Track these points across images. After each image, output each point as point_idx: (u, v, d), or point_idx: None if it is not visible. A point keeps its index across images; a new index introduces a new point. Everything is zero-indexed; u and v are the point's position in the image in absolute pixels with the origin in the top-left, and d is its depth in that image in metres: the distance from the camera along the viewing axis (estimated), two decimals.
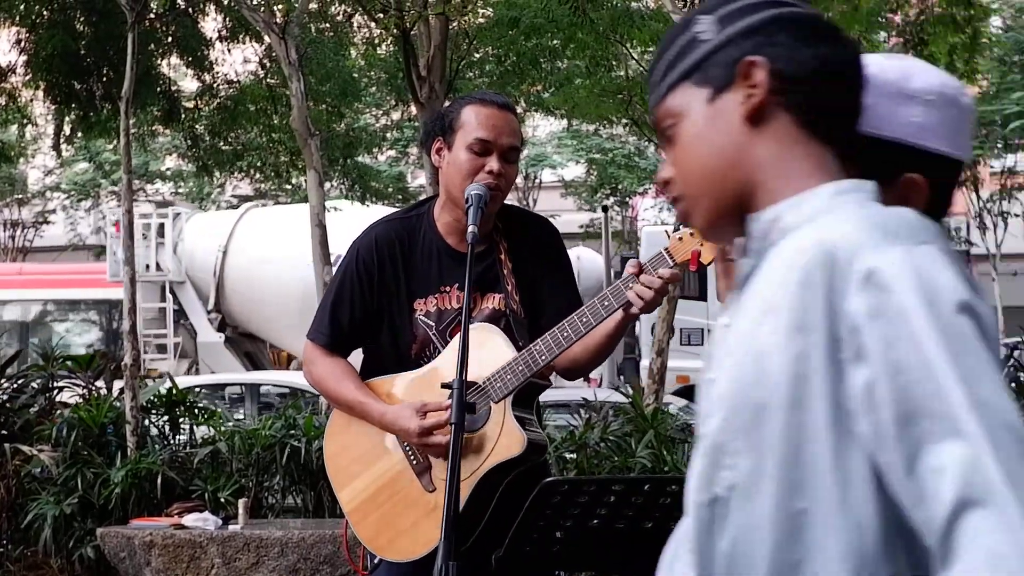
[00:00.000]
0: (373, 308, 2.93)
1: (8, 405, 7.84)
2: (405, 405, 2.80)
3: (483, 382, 2.74)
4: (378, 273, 2.92)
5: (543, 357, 2.71)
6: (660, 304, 2.70)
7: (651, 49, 12.77)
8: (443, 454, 2.74)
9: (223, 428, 7.55)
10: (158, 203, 17.33)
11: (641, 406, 7.27)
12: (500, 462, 2.70)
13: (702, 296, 13.75)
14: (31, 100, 12.04)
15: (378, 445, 2.85)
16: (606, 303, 2.68)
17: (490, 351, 2.76)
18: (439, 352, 2.86)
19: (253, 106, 12.41)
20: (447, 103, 7.07)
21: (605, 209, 16.28)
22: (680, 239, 2.68)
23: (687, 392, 10.19)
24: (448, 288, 2.89)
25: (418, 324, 2.90)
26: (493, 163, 2.81)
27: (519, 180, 25.48)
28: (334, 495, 7.64)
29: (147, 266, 16.04)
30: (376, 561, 2.85)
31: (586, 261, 14.71)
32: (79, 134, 11.55)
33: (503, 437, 2.71)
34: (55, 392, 8.19)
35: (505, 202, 3.02)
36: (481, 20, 11.75)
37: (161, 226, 16.27)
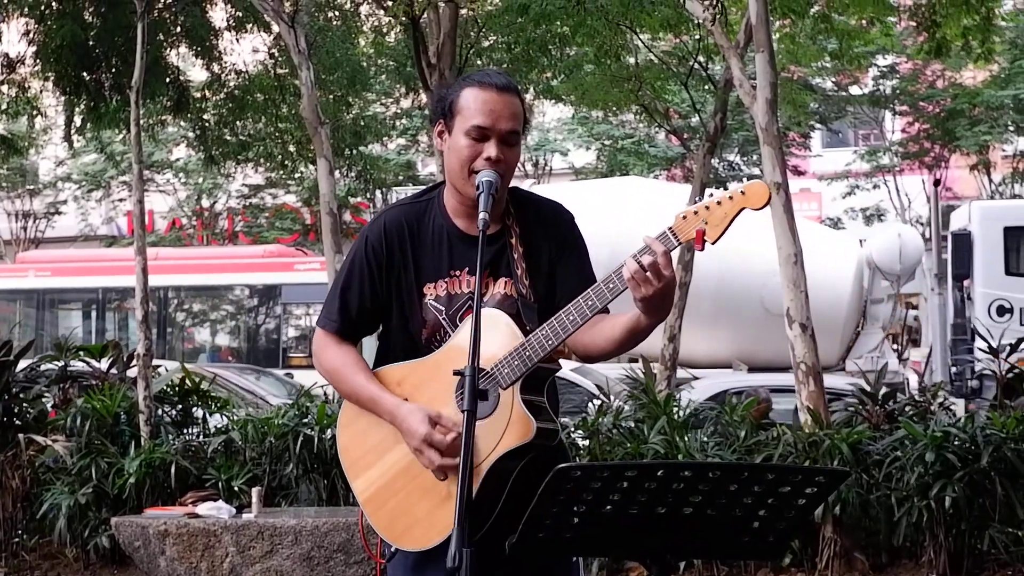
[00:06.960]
0: (383, 294, 2.89)
1: (22, 395, 7.86)
2: (420, 407, 2.75)
3: (491, 368, 2.70)
4: (387, 259, 2.87)
5: (549, 342, 2.67)
6: (659, 289, 2.56)
7: (661, 36, 12.71)
8: (429, 468, 2.72)
9: (236, 417, 7.57)
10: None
11: (653, 392, 7.26)
12: (511, 448, 2.69)
13: None
14: (40, 91, 12.05)
15: (390, 434, 2.81)
16: (611, 285, 2.62)
17: (497, 337, 2.71)
18: (449, 337, 2.82)
19: (261, 96, 12.41)
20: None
21: (936, 183, 15.17)
22: (684, 218, 2.59)
23: None
24: (458, 272, 2.85)
25: (428, 309, 2.86)
26: (491, 150, 2.74)
27: (529, 167, 25.39)
28: (347, 483, 7.66)
29: None
30: (392, 550, 2.83)
31: (907, 240, 13.27)
32: (89, 125, 11.56)
33: (513, 424, 2.68)
34: (69, 383, 8.21)
35: (519, 187, 3.00)
36: (490, 7, 11.74)
37: None
